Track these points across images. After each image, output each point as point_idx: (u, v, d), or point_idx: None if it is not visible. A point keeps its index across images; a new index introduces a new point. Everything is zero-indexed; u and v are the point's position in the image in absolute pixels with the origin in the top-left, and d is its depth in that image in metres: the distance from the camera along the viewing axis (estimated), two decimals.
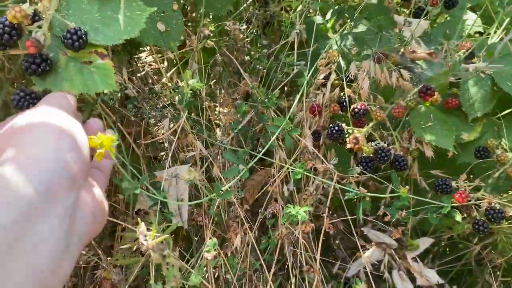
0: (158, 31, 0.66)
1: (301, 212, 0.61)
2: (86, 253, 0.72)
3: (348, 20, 0.78)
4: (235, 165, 0.80)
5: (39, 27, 0.47)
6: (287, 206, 0.63)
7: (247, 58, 1.02)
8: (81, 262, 0.72)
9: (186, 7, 0.93)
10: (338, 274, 1.02)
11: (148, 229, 0.47)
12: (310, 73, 0.73)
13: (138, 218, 0.47)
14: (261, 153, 0.62)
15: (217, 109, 0.93)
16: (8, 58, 0.54)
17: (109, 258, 0.72)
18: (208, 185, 0.68)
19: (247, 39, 1.02)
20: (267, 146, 0.62)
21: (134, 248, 0.62)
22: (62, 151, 0.36)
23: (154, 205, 0.58)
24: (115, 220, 0.65)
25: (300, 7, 0.93)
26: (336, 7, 0.80)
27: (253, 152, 0.77)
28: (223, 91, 0.98)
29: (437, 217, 0.74)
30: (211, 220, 0.67)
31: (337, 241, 1.04)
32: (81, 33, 0.47)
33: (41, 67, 0.47)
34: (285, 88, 1.03)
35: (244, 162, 0.63)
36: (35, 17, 0.49)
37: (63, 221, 0.34)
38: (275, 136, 0.62)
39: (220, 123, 0.92)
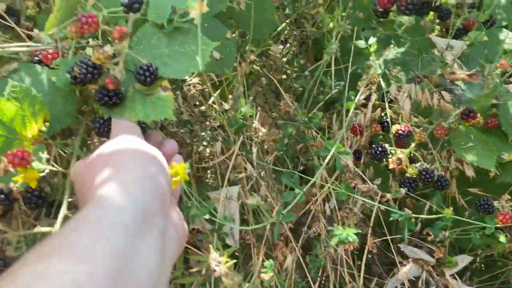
0: (214, 59, 0.69)
1: (351, 235, 0.63)
2: None
3: (393, 45, 0.79)
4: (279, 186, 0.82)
5: (116, 64, 0.51)
6: (337, 228, 0.65)
7: (284, 77, 1.05)
8: None
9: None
10: None
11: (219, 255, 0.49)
12: (355, 97, 0.75)
13: (211, 247, 0.49)
14: (315, 178, 0.64)
15: (254, 126, 0.96)
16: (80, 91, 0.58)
17: None
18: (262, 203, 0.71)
19: (284, 59, 1.05)
20: (319, 171, 0.64)
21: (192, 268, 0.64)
22: (154, 174, 0.39)
23: (218, 230, 0.61)
24: None
25: (337, 28, 0.95)
26: (378, 33, 0.82)
27: (296, 172, 0.79)
28: (259, 109, 1.01)
29: (480, 237, 0.75)
30: (263, 242, 0.69)
31: (373, 257, 1.06)
32: (153, 69, 0.51)
33: (113, 100, 0.51)
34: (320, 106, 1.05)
35: (298, 185, 0.65)
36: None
37: (159, 239, 0.36)
38: (327, 159, 0.64)
39: (259, 141, 0.95)
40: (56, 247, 0.30)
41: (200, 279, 0.60)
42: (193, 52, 0.53)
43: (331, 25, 0.97)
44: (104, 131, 0.51)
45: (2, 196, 0.49)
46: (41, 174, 0.49)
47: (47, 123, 0.54)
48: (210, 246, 0.49)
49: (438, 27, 0.98)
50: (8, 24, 0.60)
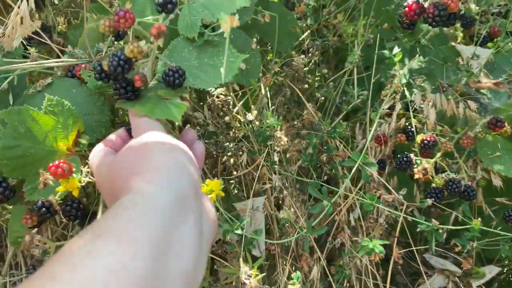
0: (240, 70, 0.70)
1: (378, 246, 0.62)
2: None
3: (418, 55, 0.79)
4: (303, 197, 0.82)
5: (144, 64, 0.52)
6: (363, 239, 0.65)
7: (306, 86, 1.05)
8: None
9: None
10: None
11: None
12: (379, 106, 0.75)
13: (241, 260, 0.50)
14: (342, 189, 0.64)
15: (278, 137, 0.96)
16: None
17: None
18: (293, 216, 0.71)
19: (305, 69, 1.06)
20: (346, 182, 0.64)
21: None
22: (185, 162, 0.40)
23: (246, 242, 0.61)
24: None
25: (360, 38, 0.95)
26: (403, 43, 0.82)
27: (320, 182, 0.79)
28: (281, 118, 1.01)
29: (509, 248, 0.74)
30: (289, 254, 0.69)
31: (397, 267, 1.05)
32: (181, 72, 0.51)
33: (128, 95, 0.52)
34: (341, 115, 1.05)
35: (326, 196, 0.65)
36: None
37: (196, 224, 0.36)
38: (353, 170, 0.65)
39: (282, 151, 0.95)
40: (98, 233, 0.30)
41: None
42: (222, 64, 0.54)
43: (357, 35, 0.98)
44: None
45: (44, 209, 0.50)
46: (80, 185, 0.50)
47: (84, 136, 0.55)
48: (240, 259, 0.50)
49: (461, 34, 0.98)
50: (42, 40, 0.62)
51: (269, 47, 0.90)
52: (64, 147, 0.55)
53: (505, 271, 1.06)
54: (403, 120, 0.83)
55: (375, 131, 0.83)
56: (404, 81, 0.76)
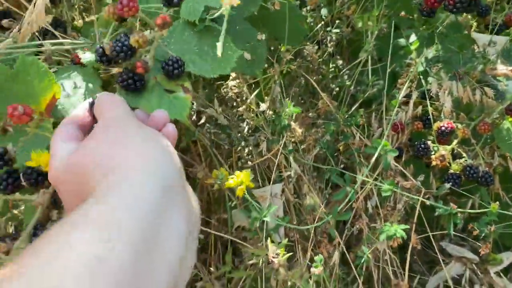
0: (245, 60, 0.71)
1: (399, 230, 0.63)
2: None
3: (435, 43, 0.80)
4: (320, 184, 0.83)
5: (147, 51, 0.53)
6: (384, 224, 0.66)
7: (320, 77, 1.06)
8: None
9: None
10: None
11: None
12: (398, 95, 0.76)
13: (269, 240, 0.51)
14: (363, 175, 0.65)
15: (293, 127, 0.97)
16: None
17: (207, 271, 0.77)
18: (299, 202, 0.72)
19: (320, 59, 1.06)
20: (367, 170, 0.65)
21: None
22: (165, 146, 0.37)
23: (274, 230, 0.62)
24: (223, 235, 0.70)
25: (374, 28, 0.96)
26: (420, 31, 0.82)
27: (338, 169, 0.80)
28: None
29: None
30: (310, 240, 0.71)
31: (414, 256, 1.05)
32: (181, 63, 0.53)
33: (136, 85, 0.53)
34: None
35: (349, 183, 0.66)
36: None
37: (184, 211, 0.33)
38: (374, 157, 0.66)
39: (298, 140, 0.96)
40: (77, 221, 0.28)
41: (251, 273, 0.62)
42: (222, 55, 0.56)
43: (369, 23, 0.98)
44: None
45: (32, 178, 0.49)
46: None
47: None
48: (267, 241, 0.51)
49: (475, 23, 0.98)
50: (56, 35, 0.64)
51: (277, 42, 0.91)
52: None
53: None
54: (419, 108, 0.84)
55: (390, 118, 0.84)
56: (421, 69, 0.77)
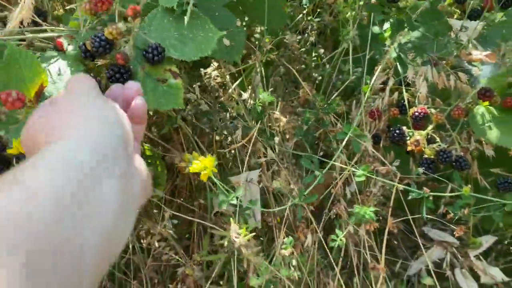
0: (224, 46, 0.72)
1: (369, 212, 0.65)
2: (167, 252, 0.79)
3: (406, 29, 0.81)
4: (299, 171, 0.85)
5: (126, 42, 0.55)
6: (356, 206, 0.67)
7: (303, 66, 1.07)
8: (162, 260, 0.80)
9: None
10: (400, 273, 1.04)
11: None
12: (371, 81, 0.77)
13: (231, 219, 0.53)
14: (333, 159, 0.67)
15: (276, 116, 0.99)
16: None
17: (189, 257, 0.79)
18: (279, 189, 0.74)
19: (302, 49, 1.07)
20: (337, 153, 0.67)
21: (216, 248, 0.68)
22: (113, 118, 0.38)
23: (240, 211, 0.63)
24: (200, 221, 0.72)
25: (353, 16, 0.97)
26: (391, 18, 0.83)
27: (316, 156, 0.82)
28: (279, 99, 1.03)
29: (499, 215, 0.76)
30: (284, 222, 0.72)
31: (397, 241, 1.07)
32: (160, 49, 0.54)
33: (124, 77, 0.54)
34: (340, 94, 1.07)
35: (317, 167, 0.68)
36: None
37: (122, 178, 0.34)
38: (344, 142, 0.67)
39: (279, 129, 0.98)
40: (4, 182, 0.29)
41: (223, 256, 0.64)
42: (201, 37, 0.57)
43: (348, 13, 0.99)
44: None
45: None
46: None
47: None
48: (231, 220, 0.53)
49: (458, 11, 0.98)
50: (36, 23, 0.65)
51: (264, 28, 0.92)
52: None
53: (506, 242, 1.08)
54: (396, 94, 0.85)
55: (368, 105, 0.85)
56: (394, 55, 0.78)
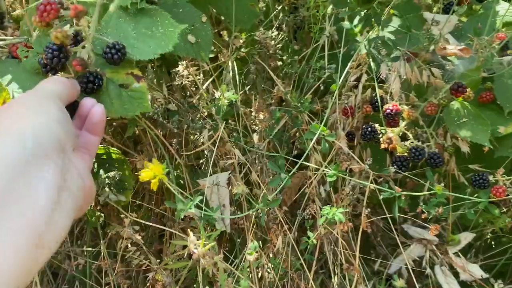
0: (189, 43, 0.70)
1: (338, 214, 0.63)
2: (137, 257, 0.77)
3: (376, 24, 0.79)
4: (273, 171, 0.83)
5: (83, 47, 0.52)
6: (324, 208, 0.66)
7: (279, 63, 1.05)
8: (133, 265, 0.78)
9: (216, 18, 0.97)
10: (380, 271, 1.03)
11: (197, 238, 0.51)
12: (342, 76, 0.76)
13: (188, 229, 0.51)
14: (301, 160, 0.65)
15: (252, 115, 0.97)
16: None
17: (159, 261, 0.77)
18: (248, 190, 0.72)
19: (278, 46, 1.05)
20: (305, 154, 0.65)
21: (184, 253, 0.66)
22: (51, 119, 0.39)
23: (205, 216, 0.62)
24: (163, 227, 0.70)
25: (329, 11, 0.95)
26: (363, 13, 0.81)
27: (289, 157, 0.80)
28: (257, 97, 1.01)
29: (475, 212, 0.74)
30: (251, 223, 0.71)
31: (377, 239, 1.06)
32: (119, 47, 0.52)
33: (96, 84, 0.52)
34: (318, 91, 1.05)
35: (284, 170, 0.66)
36: (77, 37, 0.54)
37: (54, 177, 0.35)
38: (312, 142, 0.65)
39: (256, 128, 0.96)
40: None
41: (188, 263, 0.62)
42: (161, 34, 0.55)
43: (322, 9, 0.97)
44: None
45: None
46: None
47: None
48: (189, 230, 0.51)
49: (438, 5, 0.96)
50: None
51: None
52: None
53: (488, 238, 1.07)
54: (369, 91, 0.83)
55: (340, 103, 0.83)
56: (364, 51, 0.76)
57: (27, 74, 0.56)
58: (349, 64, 0.79)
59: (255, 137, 0.93)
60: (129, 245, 0.78)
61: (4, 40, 0.59)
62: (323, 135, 0.69)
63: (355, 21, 0.79)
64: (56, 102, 0.42)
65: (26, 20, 0.59)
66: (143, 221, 0.69)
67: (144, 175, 0.45)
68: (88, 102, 0.49)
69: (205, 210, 0.60)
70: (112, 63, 0.53)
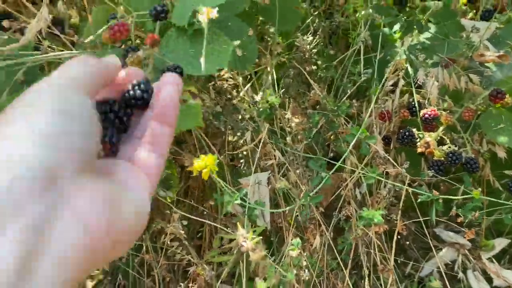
0: (236, 56, 0.73)
1: (377, 216, 0.65)
2: (179, 252, 0.81)
3: (416, 31, 0.81)
4: (309, 172, 0.86)
5: (146, 65, 0.56)
6: (362, 209, 0.68)
7: (314, 68, 1.08)
8: (175, 260, 0.81)
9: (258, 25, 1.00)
10: (411, 274, 1.04)
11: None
12: (380, 83, 0.78)
13: (238, 222, 0.54)
14: (340, 162, 0.67)
15: (286, 117, 0.99)
16: None
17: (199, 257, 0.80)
18: (290, 186, 0.75)
19: (313, 50, 1.08)
20: (344, 155, 0.67)
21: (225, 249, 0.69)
22: (34, 140, 0.25)
23: (248, 212, 0.65)
24: (209, 222, 0.73)
25: (365, 17, 0.97)
26: (404, 19, 0.83)
27: (325, 159, 0.82)
28: (291, 100, 1.04)
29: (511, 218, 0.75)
30: (292, 223, 0.73)
31: (409, 242, 1.07)
32: (179, 70, 0.56)
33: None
34: (351, 95, 1.07)
35: (325, 169, 0.69)
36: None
37: (22, 237, 0.23)
38: (351, 145, 0.67)
39: (291, 130, 0.99)
40: None
41: (232, 257, 0.65)
42: (216, 51, 0.58)
43: (359, 14, 0.99)
44: None
45: None
46: None
47: None
48: (238, 224, 0.54)
49: (474, 11, 0.98)
50: (54, 33, 0.68)
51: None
52: None
53: None
54: (406, 96, 0.85)
55: (378, 107, 0.85)
56: (403, 57, 0.78)
57: None
58: (387, 70, 0.80)
59: (288, 139, 0.96)
60: (168, 242, 0.82)
61: (71, 52, 0.63)
62: (364, 137, 0.71)
63: (395, 27, 0.81)
64: (70, 94, 0.28)
65: (86, 32, 0.64)
66: (191, 216, 0.72)
67: (196, 165, 0.48)
68: (170, 79, 0.36)
69: (248, 203, 0.63)
70: None
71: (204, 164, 0.48)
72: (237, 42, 0.61)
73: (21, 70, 0.59)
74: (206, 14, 0.45)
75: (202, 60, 0.49)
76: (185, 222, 0.73)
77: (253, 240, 0.52)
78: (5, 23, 0.68)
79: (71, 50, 0.67)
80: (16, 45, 0.57)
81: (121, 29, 0.53)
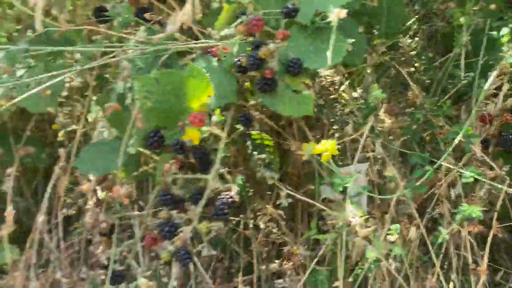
0: (347, 51, 0.79)
1: (476, 211, 0.67)
2: (275, 232, 0.88)
3: None
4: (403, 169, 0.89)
5: (272, 58, 0.65)
6: (463, 204, 0.70)
7: (412, 69, 1.10)
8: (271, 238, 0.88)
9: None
10: (501, 283, 1.02)
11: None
12: (485, 86, 0.79)
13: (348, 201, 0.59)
14: (443, 158, 0.70)
15: (381, 116, 1.03)
16: None
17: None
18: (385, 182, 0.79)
19: (412, 52, 1.10)
20: (446, 154, 0.70)
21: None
22: None
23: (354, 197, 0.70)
24: (314, 202, 0.79)
25: (467, 21, 0.97)
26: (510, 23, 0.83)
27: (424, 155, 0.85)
28: (385, 100, 1.07)
29: None
30: (389, 214, 0.77)
31: (501, 251, 1.05)
32: (300, 63, 0.65)
33: (271, 87, 0.67)
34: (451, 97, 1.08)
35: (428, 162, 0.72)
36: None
37: None
38: (454, 144, 0.69)
39: (384, 129, 1.02)
40: None
41: (333, 235, 0.70)
42: (335, 47, 0.64)
43: (461, 19, 1.00)
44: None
45: (178, 146, 0.66)
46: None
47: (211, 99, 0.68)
48: (348, 201, 0.59)
49: None
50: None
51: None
52: (196, 105, 0.68)
53: None
54: (510, 100, 0.85)
55: (479, 110, 0.86)
56: (510, 61, 0.78)
57: (220, 70, 0.70)
58: (493, 74, 0.81)
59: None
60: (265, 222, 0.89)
61: (207, 43, 0.72)
62: (467, 135, 0.73)
63: (504, 31, 0.82)
64: None
65: (218, 26, 0.74)
66: (296, 194, 0.79)
67: (318, 148, 0.55)
68: None
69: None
70: (291, 75, 0.66)
71: (325, 148, 0.54)
72: (351, 40, 0.67)
73: (165, 55, 0.69)
74: (337, 14, 0.51)
75: (328, 54, 0.55)
76: (289, 200, 0.79)
77: (363, 217, 0.56)
78: (147, 15, 0.79)
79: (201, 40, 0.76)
80: (163, 35, 0.67)
81: (258, 24, 0.61)
